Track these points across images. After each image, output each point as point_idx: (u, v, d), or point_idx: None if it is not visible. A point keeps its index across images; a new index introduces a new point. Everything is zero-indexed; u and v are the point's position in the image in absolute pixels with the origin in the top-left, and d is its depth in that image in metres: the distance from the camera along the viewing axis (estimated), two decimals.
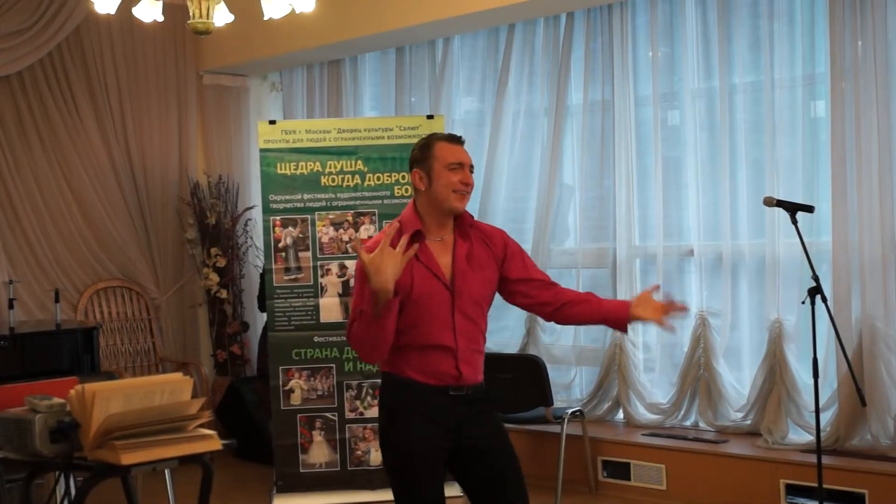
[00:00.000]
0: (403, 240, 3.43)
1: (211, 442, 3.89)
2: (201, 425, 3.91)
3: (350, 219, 6.49)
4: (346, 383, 6.43)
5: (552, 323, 4.00)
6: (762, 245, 6.28)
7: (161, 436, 3.75)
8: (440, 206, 3.61)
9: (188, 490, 5.26)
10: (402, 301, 3.48)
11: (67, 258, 7.79)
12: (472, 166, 3.66)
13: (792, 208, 4.88)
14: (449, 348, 3.56)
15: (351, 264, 6.44)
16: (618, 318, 3.69)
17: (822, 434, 5.13)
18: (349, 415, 6.42)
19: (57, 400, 3.81)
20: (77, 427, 3.70)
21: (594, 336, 7.04)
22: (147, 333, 8.17)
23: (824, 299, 4.76)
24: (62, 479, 4.38)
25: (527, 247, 6.89)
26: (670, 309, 3.65)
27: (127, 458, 3.62)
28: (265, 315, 6.86)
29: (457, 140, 3.69)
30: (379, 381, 6.27)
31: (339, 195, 6.51)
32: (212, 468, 4.08)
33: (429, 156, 3.62)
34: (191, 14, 4.62)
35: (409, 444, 3.54)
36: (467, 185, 3.61)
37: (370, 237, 3.65)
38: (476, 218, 3.78)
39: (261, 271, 7.78)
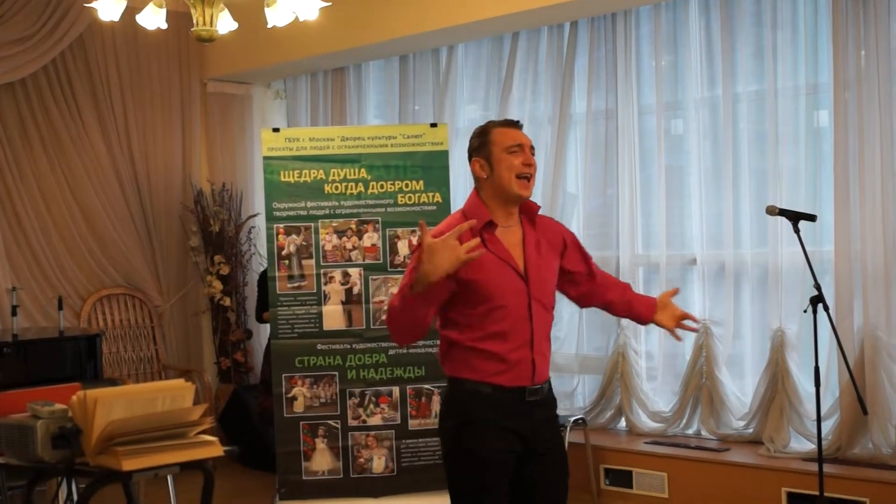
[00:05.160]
0: (473, 241, 3.28)
1: (212, 448, 3.90)
2: (203, 431, 3.92)
3: (353, 227, 6.49)
4: (349, 391, 6.43)
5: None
6: (765, 254, 6.28)
7: (163, 442, 3.75)
8: (504, 193, 3.51)
9: (190, 497, 5.27)
10: (475, 295, 3.43)
11: (71, 265, 7.79)
12: (532, 147, 3.56)
13: (794, 217, 4.87)
14: (525, 339, 3.47)
15: (354, 272, 6.45)
16: (641, 317, 3.86)
17: (823, 443, 5.14)
18: (352, 422, 6.42)
19: (59, 406, 3.82)
20: (79, 433, 3.70)
21: (597, 345, 7.04)
22: (150, 341, 8.18)
23: (826, 308, 4.76)
24: (64, 485, 4.39)
25: None
26: (685, 318, 3.82)
27: (129, 464, 3.62)
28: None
29: (514, 124, 3.60)
30: (380, 388, 6.39)
31: (342, 203, 6.50)
32: (213, 474, 4.08)
33: (487, 142, 3.53)
34: (194, 21, 4.63)
35: (482, 455, 3.44)
36: (529, 166, 3.51)
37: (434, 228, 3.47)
38: None
39: (258, 278, 7.76)
